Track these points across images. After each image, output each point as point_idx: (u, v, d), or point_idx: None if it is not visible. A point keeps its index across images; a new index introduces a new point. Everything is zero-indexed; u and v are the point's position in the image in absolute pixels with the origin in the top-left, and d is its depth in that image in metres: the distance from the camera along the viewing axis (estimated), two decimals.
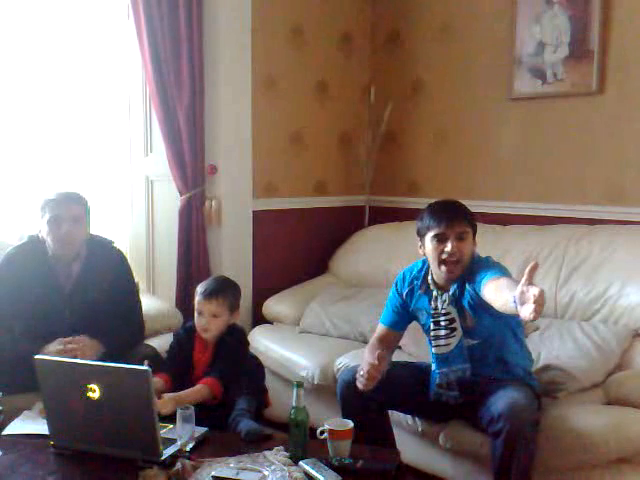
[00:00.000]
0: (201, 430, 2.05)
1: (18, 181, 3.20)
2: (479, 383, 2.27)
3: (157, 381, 2.24)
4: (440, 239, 2.23)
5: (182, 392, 2.23)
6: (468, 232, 2.25)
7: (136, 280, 2.81)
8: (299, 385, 1.96)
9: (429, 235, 2.26)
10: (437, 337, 2.29)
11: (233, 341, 2.40)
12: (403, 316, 2.45)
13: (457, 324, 2.25)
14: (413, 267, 2.44)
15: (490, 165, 3.54)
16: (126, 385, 1.88)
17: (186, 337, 2.46)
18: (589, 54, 3.12)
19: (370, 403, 2.29)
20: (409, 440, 2.51)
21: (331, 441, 1.95)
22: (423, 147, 3.85)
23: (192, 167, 3.42)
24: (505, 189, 3.47)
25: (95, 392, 1.87)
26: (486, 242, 2.33)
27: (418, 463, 2.56)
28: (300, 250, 3.87)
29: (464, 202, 2.36)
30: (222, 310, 2.37)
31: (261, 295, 3.62)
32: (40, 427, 2.07)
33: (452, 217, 2.24)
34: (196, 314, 2.40)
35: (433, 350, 2.31)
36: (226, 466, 1.85)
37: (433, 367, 2.32)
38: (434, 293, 2.30)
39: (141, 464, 1.84)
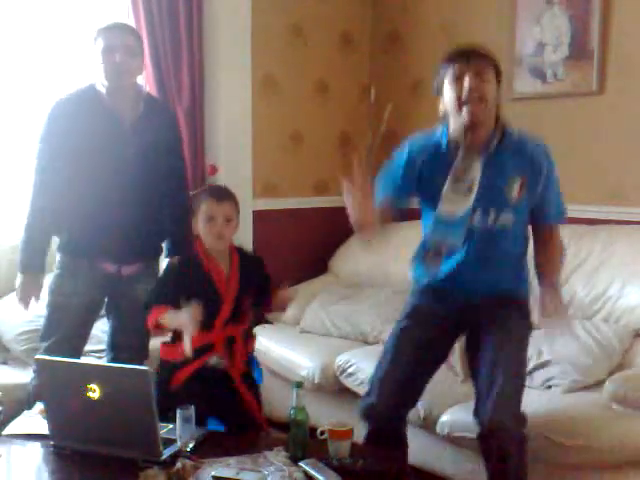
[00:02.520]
0: (201, 430, 2.05)
1: (17, 182, 3.19)
2: (480, 302, 2.15)
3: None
4: (458, 78, 1.99)
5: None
6: (489, 72, 2.00)
7: None
8: (299, 385, 1.96)
9: (446, 82, 2.03)
10: (447, 197, 2.05)
11: (261, 270, 2.49)
12: (408, 185, 2.17)
13: (472, 192, 2.04)
14: (427, 133, 2.22)
15: None
16: (126, 385, 1.88)
17: (191, 267, 2.27)
18: (589, 54, 3.11)
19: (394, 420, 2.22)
20: (409, 439, 2.50)
21: (331, 441, 1.95)
22: None
23: (192, 167, 3.41)
24: None
25: (95, 392, 1.87)
26: None
27: (417, 463, 2.55)
28: (300, 250, 3.86)
29: None
30: (233, 214, 2.28)
31: None
32: (40, 427, 2.07)
33: (469, 55, 2.01)
34: (205, 224, 2.24)
35: (437, 210, 2.08)
36: (226, 466, 1.85)
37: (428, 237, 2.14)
38: (459, 152, 2.06)
39: (141, 464, 1.84)
